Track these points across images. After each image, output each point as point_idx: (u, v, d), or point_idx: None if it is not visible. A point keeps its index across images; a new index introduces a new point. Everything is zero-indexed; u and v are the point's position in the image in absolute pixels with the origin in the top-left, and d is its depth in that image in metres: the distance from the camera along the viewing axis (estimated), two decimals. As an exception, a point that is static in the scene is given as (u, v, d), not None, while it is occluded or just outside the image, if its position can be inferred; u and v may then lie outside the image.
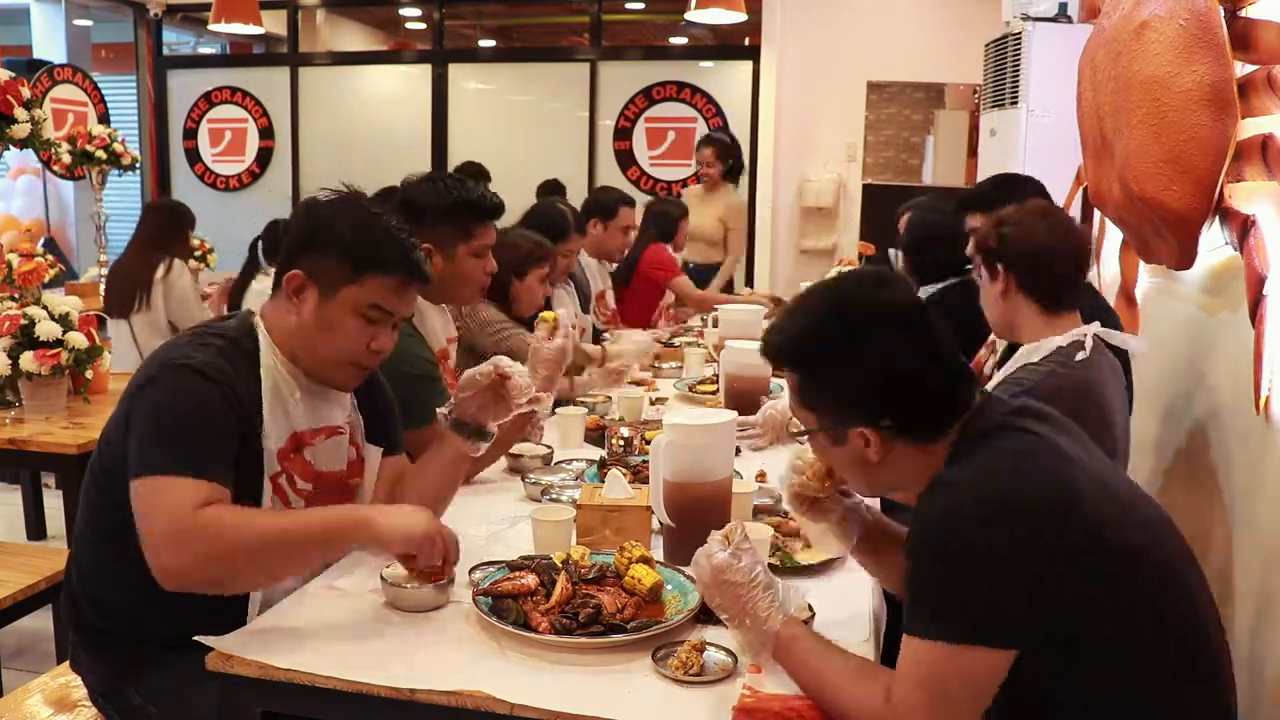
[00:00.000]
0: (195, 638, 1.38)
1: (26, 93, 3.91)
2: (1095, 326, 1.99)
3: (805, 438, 1.42)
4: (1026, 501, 1.18)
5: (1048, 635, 1.17)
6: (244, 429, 1.54)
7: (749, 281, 6.96)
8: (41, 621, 2.67)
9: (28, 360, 2.83)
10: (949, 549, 1.19)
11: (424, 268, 1.66)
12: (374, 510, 1.54)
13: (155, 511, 1.42)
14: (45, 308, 2.94)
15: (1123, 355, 2.17)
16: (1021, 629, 1.17)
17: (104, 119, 7.18)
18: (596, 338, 3.81)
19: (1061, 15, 3.76)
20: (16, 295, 3.47)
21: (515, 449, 2.25)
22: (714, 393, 2.84)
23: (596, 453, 2.35)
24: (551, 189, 5.91)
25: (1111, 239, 2.92)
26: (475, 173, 6.01)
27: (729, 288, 5.51)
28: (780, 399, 2.20)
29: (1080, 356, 1.93)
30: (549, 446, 2.31)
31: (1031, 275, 2.00)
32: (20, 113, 3.81)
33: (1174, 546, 1.31)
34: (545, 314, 2.31)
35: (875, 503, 1.67)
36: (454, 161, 7.41)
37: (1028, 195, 2.51)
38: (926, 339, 1.32)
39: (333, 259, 1.59)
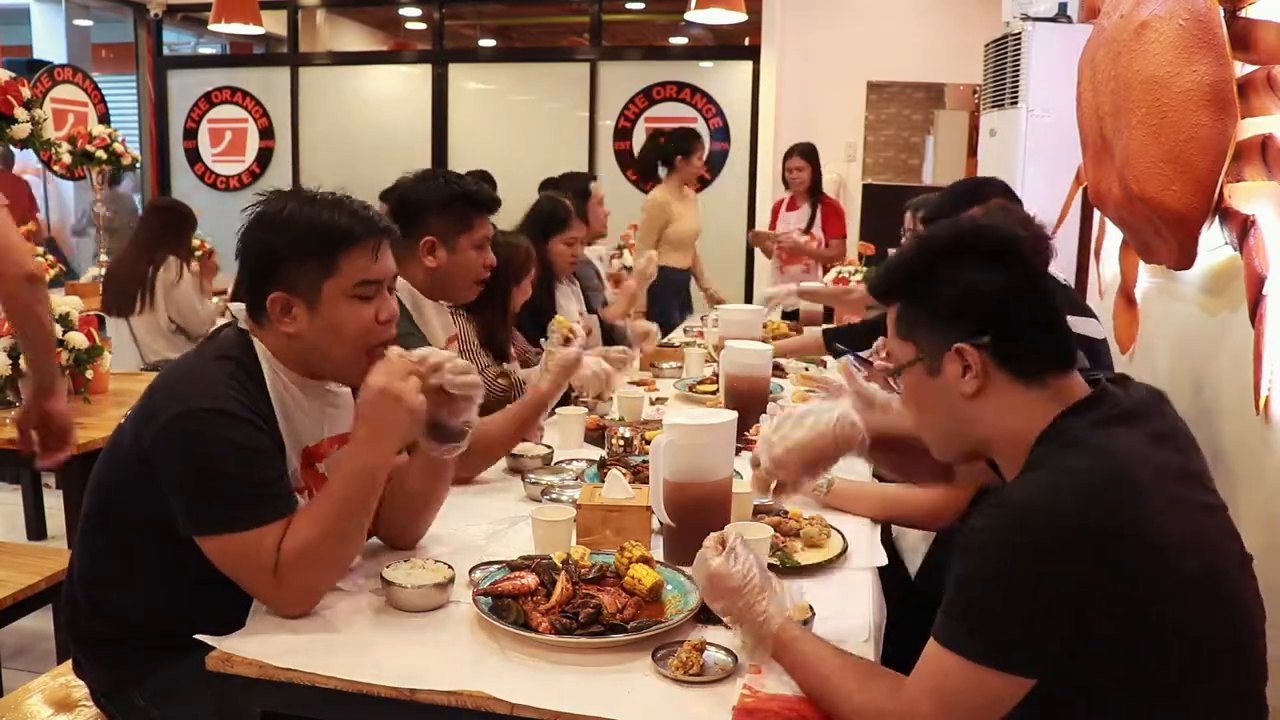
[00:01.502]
0: (196, 636, 1.39)
1: (26, 93, 3.91)
2: None
3: (899, 379, 1.37)
4: (1084, 538, 1.13)
5: (1083, 670, 1.15)
6: (276, 446, 1.55)
7: (749, 281, 6.97)
8: (41, 621, 2.66)
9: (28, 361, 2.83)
10: (994, 566, 1.15)
11: (384, 220, 1.63)
12: (370, 445, 1.52)
13: (245, 570, 1.48)
14: (45, 308, 2.93)
15: (1093, 351, 2.19)
16: (1057, 663, 1.14)
17: (104, 119, 7.19)
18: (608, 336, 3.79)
19: (1061, 15, 3.76)
20: (16, 295, 3.47)
21: (515, 449, 2.25)
22: (714, 393, 2.84)
23: (596, 453, 2.35)
24: (553, 186, 5.89)
25: (1111, 239, 2.92)
26: (481, 179, 6.00)
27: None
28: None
29: None
30: (549, 446, 2.31)
31: None
32: (20, 113, 3.81)
33: (1234, 562, 1.26)
34: (560, 319, 2.33)
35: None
36: (454, 161, 7.42)
37: (989, 197, 2.52)
38: (1024, 276, 1.30)
39: (299, 265, 1.55)
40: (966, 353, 1.27)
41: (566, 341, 2.29)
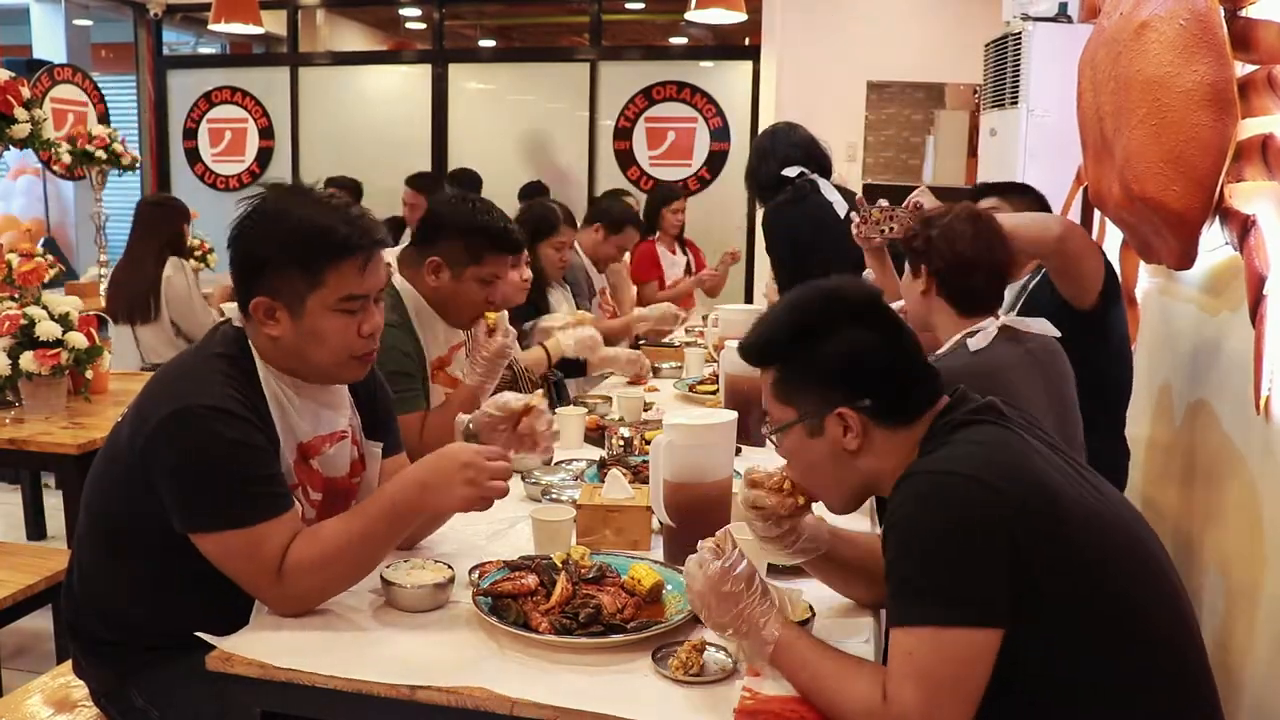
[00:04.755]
0: (196, 634, 1.39)
1: (26, 93, 3.91)
2: (1004, 318, 2.04)
3: (779, 436, 1.43)
4: (994, 482, 1.20)
5: (1026, 611, 1.18)
6: (273, 444, 1.54)
7: (749, 281, 6.97)
8: (41, 621, 2.66)
9: (28, 360, 2.83)
10: (922, 534, 1.21)
11: (376, 230, 1.59)
12: (421, 488, 1.51)
13: (244, 568, 1.47)
14: (45, 308, 2.94)
15: (1095, 350, 2.20)
16: (1001, 605, 1.18)
17: (104, 119, 7.18)
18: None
19: (1061, 15, 3.75)
20: (16, 295, 3.47)
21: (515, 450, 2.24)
22: (714, 393, 2.84)
23: (596, 453, 2.34)
24: (534, 191, 5.91)
25: (1111, 239, 2.92)
26: (465, 178, 6.02)
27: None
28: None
29: (975, 346, 1.98)
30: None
31: (951, 281, 2.06)
32: (20, 113, 3.81)
33: (1145, 540, 1.33)
34: (488, 314, 2.30)
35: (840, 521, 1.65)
36: (454, 161, 7.42)
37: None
38: (893, 331, 1.40)
39: (285, 273, 1.53)
40: (847, 416, 1.35)
41: (491, 333, 2.29)
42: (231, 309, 1.63)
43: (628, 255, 4.69)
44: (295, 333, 1.55)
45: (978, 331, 2.01)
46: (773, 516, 1.46)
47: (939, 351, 2.06)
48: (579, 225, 4.27)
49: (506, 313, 2.36)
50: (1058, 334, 2.06)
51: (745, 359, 1.48)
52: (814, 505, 1.49)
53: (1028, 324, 2.05)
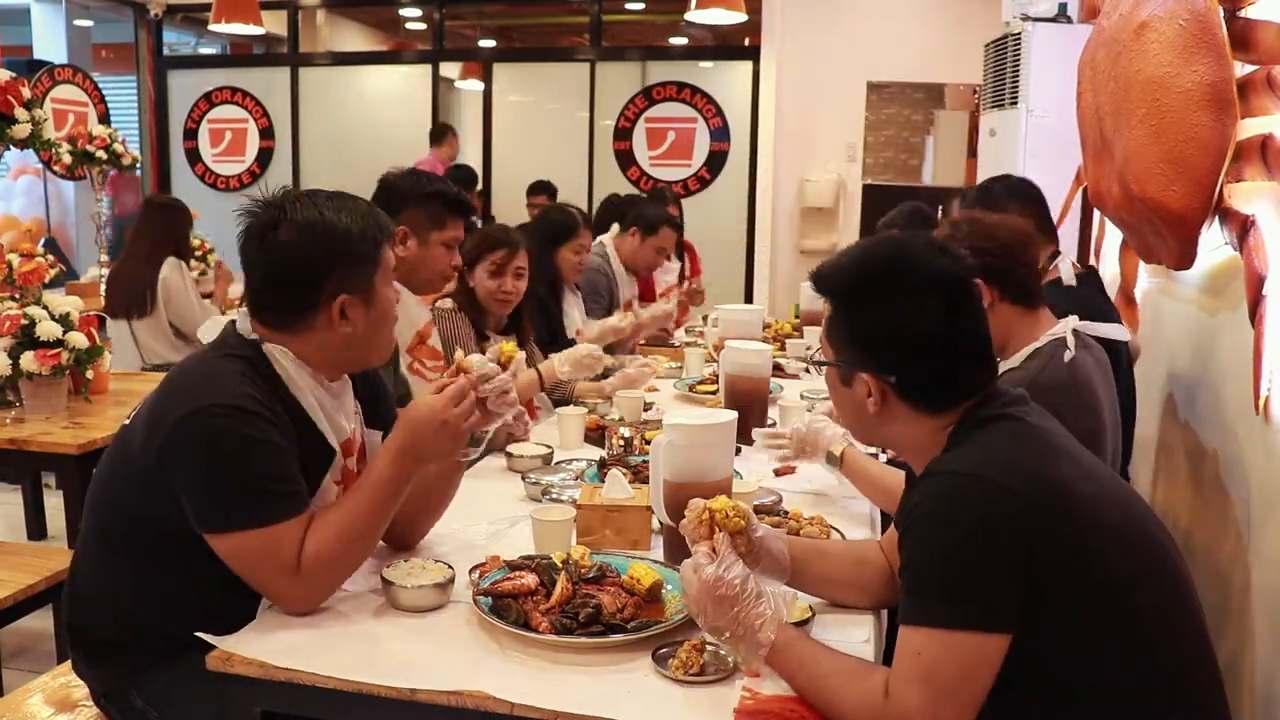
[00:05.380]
0: (197, 634, 1.39)
1: (27, 93, 3.91)
2: (1072, 321, 1.98)
3: (822, 368, 1.45)
4: (1010, 483, 1.19)
5: (1029, 610, 1.18)
6: (291, 444, 1.53)
7: (749, 281, 6.97)
8: (41, 621, 2.67)
9: (28, 360, 2.83)
10: (941, 536, 1.20)
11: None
12: (412, 456, 1.55)
13: (263, 567, 1.47)
14: (45, 308, 2.94)
15: (1114, 352, 2.16)
16: (1013, 613, 1.17)
17: (104, 119, 7.19)
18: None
19: (1061, 15, 3.76)
20: (16, 295, 3.47)
21: (515, 449, 2.25)
22: (714, 393, 2.84)
23: (596, 453, 2.34)
24: (541, 189, 5.93)
25: (1111, 239, 2.93)
26: (466, 177, 6.01)
27: None
28: (812, 416, 2.16)
29: (1068, 356, 1.91)
30: (549, 446, 2.31)
31: (1008, 277, 1.95)
32: (21, 113, 3.80)
33: (1163, 544, 1.32)
34: (506, 345, 2.11)
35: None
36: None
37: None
38: (955, 317, 1.33)
39: (356, 265, 1.58)
40: (870, 383, 1.35)
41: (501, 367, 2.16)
42: (237, 315, 1.63)
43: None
44: (368, 321, 1.60)
45: (1052, 339, 1.93)
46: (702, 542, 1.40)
47: (1016, 364, 1.95)
48: (619, 230, 4.23)
49: (524, 355, 2.25)
50: (1129, 337, 2.00)
51: (814, 284, 1.45)
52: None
53: (1098, 329, 1.99)
